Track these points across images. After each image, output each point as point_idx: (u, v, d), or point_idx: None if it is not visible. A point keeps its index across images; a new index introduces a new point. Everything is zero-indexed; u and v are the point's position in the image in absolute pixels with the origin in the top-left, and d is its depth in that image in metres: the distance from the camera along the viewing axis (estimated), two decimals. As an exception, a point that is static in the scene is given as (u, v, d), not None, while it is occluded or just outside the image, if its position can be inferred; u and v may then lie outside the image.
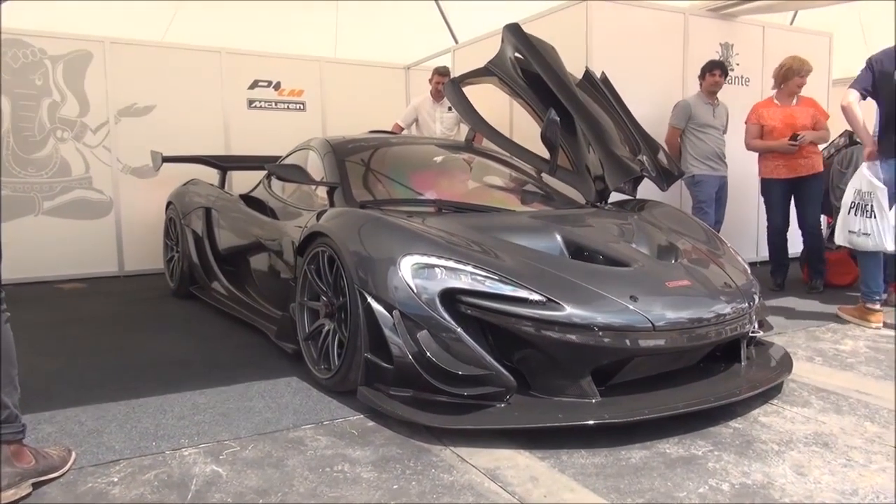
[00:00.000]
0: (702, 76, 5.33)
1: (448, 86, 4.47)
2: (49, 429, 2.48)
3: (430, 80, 6.23)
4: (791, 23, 8.16)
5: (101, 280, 6.16)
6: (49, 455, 2.09)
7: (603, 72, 4.35)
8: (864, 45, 8.19)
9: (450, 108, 5.95)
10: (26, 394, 2.80)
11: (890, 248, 3.95)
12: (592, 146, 3.88)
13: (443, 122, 6.19)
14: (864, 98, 4.07)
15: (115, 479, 2.08)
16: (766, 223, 5.36)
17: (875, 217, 3.93)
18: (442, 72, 6.14)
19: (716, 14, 5.93)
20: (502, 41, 4.29)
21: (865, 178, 4.00)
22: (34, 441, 2.35)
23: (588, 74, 4.31)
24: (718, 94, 5.36)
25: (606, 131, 3.93)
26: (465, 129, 5.53)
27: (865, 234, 3.98)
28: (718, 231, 5.22)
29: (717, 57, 5.93)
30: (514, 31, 4.22)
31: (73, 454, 2.17)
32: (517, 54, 4.18)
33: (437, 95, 6.11)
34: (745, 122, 5.27)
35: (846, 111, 4.04)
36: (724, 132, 5.43)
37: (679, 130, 5.33)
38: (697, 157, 5.26)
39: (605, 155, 3.82)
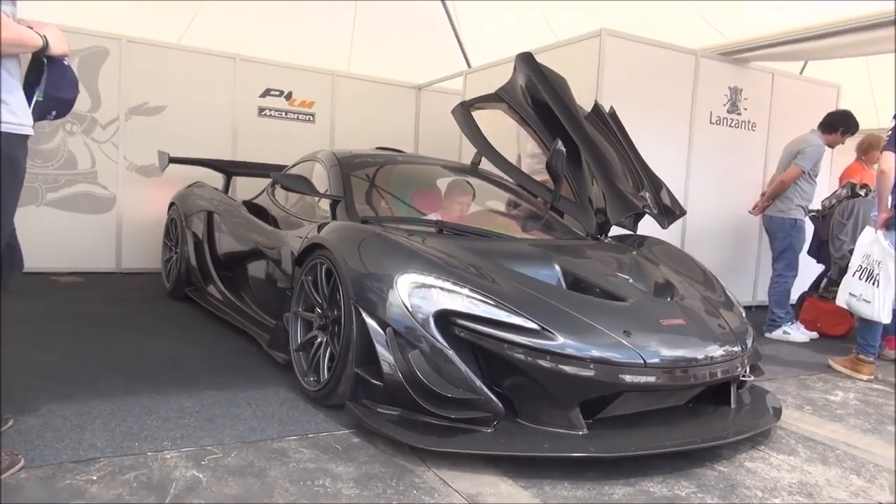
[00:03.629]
0: (833, 129, 5.17)
1: (458, 109, 4.49)
2: (33, 422, 2.47)
3: None
4: (801, 72, 8.25)
5: (98, 275, 6.15)
6: None
7: (612, 106, 4.39)
8: (871, 97, 8.30)
9: None
10: (14, 385, 2.81)
11: (886, 320, 3.93)
12: (596, 179, 3.88)
13: None
14: None
15: (95, 478, 2.06)
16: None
17: (879, 286, 3.91)
18: None
19: (727, 58, 6.00)
20: (514, 69, 4.33)
21: (878, 245, 3.94)
22: (17, 433, 2.35)
23: (597, 108, 4.34)
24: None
25: (611, 165, 3.94)
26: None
27: (866, 300, 3.96)
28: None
29: (724, 101, 6.00)
30: (526, 60, 4.25)
31: (21, 460, 2.09)
32: (528, 83, 4.21)
33: None
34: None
35: (884, 177, 3.87)
36: None
37: (802, 173, 5.13)
38: (801, 203, 5.18)
39: (608, 188, 3.82)
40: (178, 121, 6.53)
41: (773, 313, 5.19)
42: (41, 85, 2.14)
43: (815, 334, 5.17)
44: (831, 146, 5.32)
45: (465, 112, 4.38)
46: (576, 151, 3.89)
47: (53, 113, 2.23)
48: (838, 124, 5.19)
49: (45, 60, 2.14)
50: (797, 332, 5.10)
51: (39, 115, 2.16)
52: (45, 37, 2.08)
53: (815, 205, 5.73)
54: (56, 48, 2.11)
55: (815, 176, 5.21)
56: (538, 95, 4.13)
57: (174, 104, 6.53)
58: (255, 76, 6.97)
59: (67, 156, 6.12)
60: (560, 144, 3.74)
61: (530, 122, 4.17)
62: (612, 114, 4.30)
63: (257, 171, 5.64)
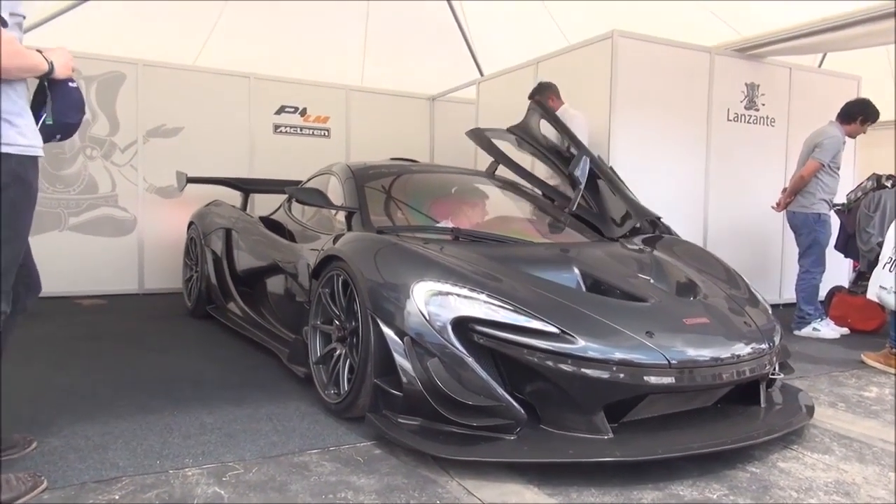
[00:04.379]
0: (852, 118, 5.06)
1: (471, 131, 4.77)
2: (56, 442, 2.47)
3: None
4: (820, 65, 8.13)
5: (121, 297, 6.21)
6: (11, 483, 2.01)
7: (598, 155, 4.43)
8: (892, 89, 8.14)
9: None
10: (37, 406, 2.83)
11: None
12: (613, 191, 4.06)
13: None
14: None
15: (117, 497, 2.06)
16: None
17: None
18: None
19: (742, 55, 5.92)
20: (528, 111, 4.50)
21: None
22: (41, 454, 2.35)
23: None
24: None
25: (623, 182, 4.18)
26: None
27: None
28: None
29: (742, 97, 5.92)
30: (541, 104, 4.55)
31: (45, 482, 2.09)
32: (542, 118, 4.39)
33: None
34: None
35: None
36: None
37: (820, 167, 4.99)
38: (824, 196, 5.04)
39: (625, 197, 4.04)
40: (195, 141, 6.60)
41: (801, 310, 5.08)
42: (47, 107, 2.16)
43: (845, 330, 5.04)
44: (852, 136, 5.18)
45: (478, 131, 4.69)
46: (590, 174, 4.07)
47: (59, 136, 2.25)
48: (857, 113, 5.07)
49: (47, 84, 2.15)
50: (827, 329, 4.98)
51: (45, 138, 2.17)
52: (51, 62, 2.10)
53: (840, 198, 5.61)
54: (60, 72, 2.13)
55: (837, 168, 5.08)
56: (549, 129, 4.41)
57: (191, 125, 6.61)
58: (269, 94, 7.04)
59: (88, 180, 6.21)
60: (586, 154, 3.96)
61: (543, 151, 4.37)
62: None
63: (274, 187, 5.67)
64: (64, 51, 2.17)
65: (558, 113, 4.68)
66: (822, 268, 5.12)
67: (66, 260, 6.05)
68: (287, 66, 7.28)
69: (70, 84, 2.20)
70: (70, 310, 5.53)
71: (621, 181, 4.21)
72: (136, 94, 6.37)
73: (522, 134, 4.42)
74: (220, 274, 4.76)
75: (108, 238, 6.32)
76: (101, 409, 2.89)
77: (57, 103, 2.16)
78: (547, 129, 4.42)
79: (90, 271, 6.20)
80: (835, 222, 5.71)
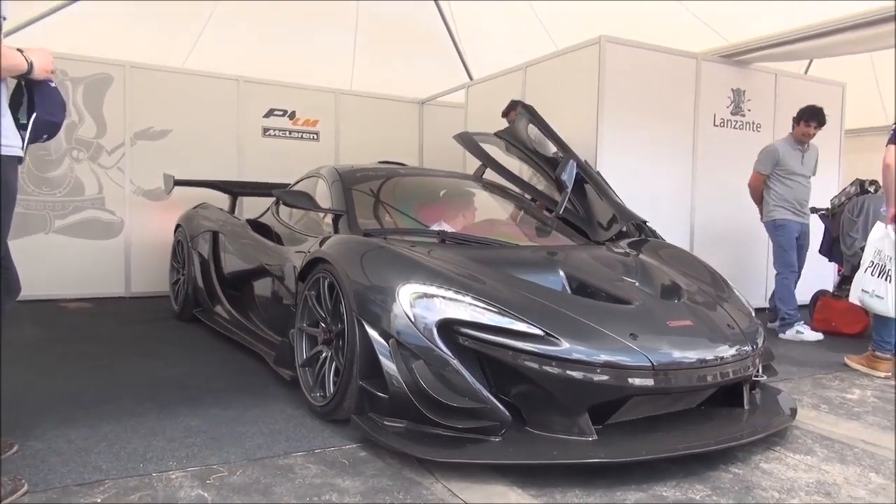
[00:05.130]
0: (796, 122, 5.21)
1: (460, 135, 4.83)
2: (38, 446, 2.45)
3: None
4: (805, 71, 8.21)
5: (108, 301, 6.18)
6: None
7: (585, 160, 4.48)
8: (877, 96, 8.24)
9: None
10: (19, 411, 2.81)
11: None
12: (599, 195, 4.10)
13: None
14: None
15: (99, 500, 2.05)
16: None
17: (891, 281, 3.84)
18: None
19: (728, 60, 5.98)
20: (517, 115, 4.54)
21: (889, 241, 3.89)
22: (21, 458, 2.33)
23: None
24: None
25: (609, 187, 4.22)
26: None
27: (879, 296, 3.90)
28: (798, 277, 5.29)
29: (728, 103, 5.97)
30: (528, 108, 4.53)
31: (25, 485, 2.07)
32: (530, 123, 4.43)
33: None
34: None
35: (890, 170, 3.84)
36: (812, 175, 5.34)
37: (763, 176, 5.24)
38: (779, 203, 5.18)
39: (611, 201, 4.07)
40: (183, 144, 6.58)
41: (781, 311, 5.14)
42: (29, 107, 2.15)
43: (820, 335, 5.10)
44: (800, 140, 5.23)
45: (466, 135, 4.73)
46: (578, 178, 4.11)
47: (45, 136, 2.24)
48: (798, 117, 5.22)
49: (24, 84, 2.15)
50: (809, 331, 5.05)
51: (33, 138, 2.17)
52: (31, 62, 2.09)
53: (824, 203, 5.67)
54: (40, 72, 2.13)
55: (787, 175, 5.18)
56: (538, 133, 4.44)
57: (179, 127, 6.59)
58: (258, 97, 7.02)
59: (75, 182, 6.18)
60: (573, 158, 3.99)
61: (531, 156, 4.39)
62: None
63: (262, 190, 5.66)
64: (45, 51, 2.16)
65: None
66: (792, 269, 5.22)
67: (52, 262, 6.01)
68: (276, 69, 7.27)
69: (50, 84, 2.20)
70: (55, 313, 5.49)
71: (608, 185, 4.24)
72: (124, 96, 6.34)
73: (510, 138, 4.46)
74: (207, 277, 4.74)
75: (95, 241, 6.28)
76: (85, 412, 2.87)
77: (41, 103, 2.15)
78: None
79: (76, 274, 6.16)
80: (819, 227, 5.78)
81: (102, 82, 6.27)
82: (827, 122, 5.25)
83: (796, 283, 5.28)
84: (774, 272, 5.32)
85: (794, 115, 5.24)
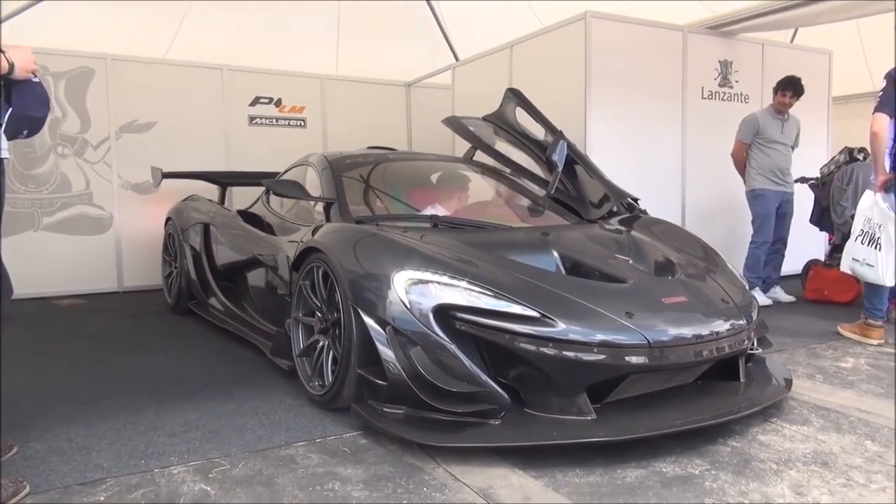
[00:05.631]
0: (774, 92, 5.34)
1: (447, 119, 4.87)
2: (37, 446, 2.45)
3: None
4: (791, 40, 8.19)
5: (100, 296, 6.15)
6: None
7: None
8: (864, 63, 8.23)
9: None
10: (17, 411, 2.80)
11: (890, 283, 3.89)
12: (590, 174, 4.10)
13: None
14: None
15: (102, 498, 2.05)
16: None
17: (881, 250, 3.86)
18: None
19: (715, 32, 5.95)
20: (504, 99, 4.51)
21: (878, 209, 3.90)
22: (22, 459, 2.33)
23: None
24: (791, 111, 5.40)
25: (597, 167, 4.22)
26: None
27: (869, 264, 3.91)
28: (784, 248, 5.44)
29: (715, 75, 5.95)
30: (515, 92, 4.51)
31: (27, 487, 2.07)
32: (517, 106, 4.43)
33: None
34: None
35: (877, 138, 3.83)
36: (794, 147, 5.44)
37: (745, 145, 5.36)
38: (760, 171, 5.29)
39: (602, 181, 4.07)
40: (169, 135, 6.52)
41: (745, 275, 5.20)
42: (2, 106, 2.11)
43: (769, 301, 5.27)
44: (780, 109, 5.32)
45: (454, 119, 4.73)
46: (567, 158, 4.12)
47: (25, 132, 2.21)
48: (776, 87, 5.34)
49: (2, 83, 2.11)
50: (762, 296, 5.21)
51: (11, 134, 2.14)
52: (12, 63, 2.06)
53: (813, 172, 5.69)
54: (21, 72, 2.09)
55: (766, 144, 5.27)
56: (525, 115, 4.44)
57: (164, 119, 6.52)
58: (243, 85, 6.95)
59: (61, 179, 6.11)
60: (562, 139, 3.97)
61: (519, 138, 4.38)
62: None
63: (251, 180, 5.62)
64: (26, 50, 2.13)
65: None
66: (764, 239, 5.32)
67: (42, 260, 5.97)
68: (260, 57, 7.19)
69: (33, 79, 2.16)
70: (48, 311, 5.46)
71: (597, 167, 4.25)
72: (107, 90, 6.26)
73: (498, 122, 4.43)
74: (200, 269, 4.72)
75: (85, 237, 6.24)
76: (84, 410, 2.86)
77: (21, 98, 2.12)
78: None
79: (67, 271, 6.12)
80: (809, 196, 5.80)
81: (84, 76, 6.18)
82: (805, 92, 5.31)
83: (783, 254, 5.47)
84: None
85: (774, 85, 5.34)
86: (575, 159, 4.12)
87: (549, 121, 4.30)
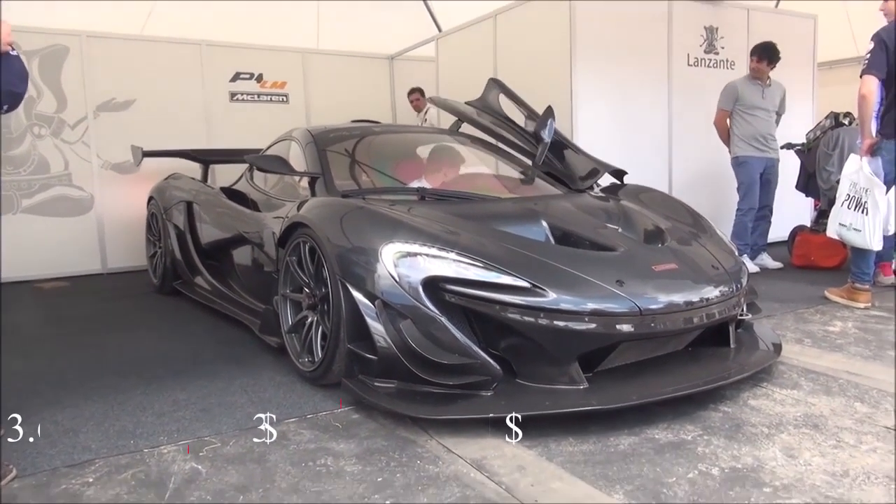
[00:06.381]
0: (750, 60, 5.35)
1: (434, 98, 4.99)
2: (24, 429, 2.41)
3: None
4: (776, 5, 8.14)
5: (84, 278, 6.07)
6: None
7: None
8: (848, 27, 8.20)
9: None
10: (1, 394, 2.75)
11: (877, 247, 3.91)
12: (576, 151, 4.07)
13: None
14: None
15: (91, 480, 2.02)
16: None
17: (868, 214, 3.86)
18: None
19: (699, -2, 5.89)
20: (486, 87, 4.42)
21: (864, 174, 3.89)
22: (8, 442, 2.29)
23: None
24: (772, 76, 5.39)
25: (583, 149, 4.18)
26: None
27: (856, 229, 3.92)
28: (770, 214, 5.45)
29: (701, 41, 5.90)
30: (497, 82, 4.44)
31: (14, 470, 2.04)
32: (500, 93, 4.34)
33: None
34: None
35: (865, 101, 3.80)
36: (780, 113, 5.44)
37: (726, 112, 5.35)
38: (742, 138, 5.29)
39: (589, 156, 4.04)
40: (148, 113, 6.40)
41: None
42: None
43: (756, 268, 5.29)
44: (757, 76, 5.31)
45: (438, 98, 4.76)
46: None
47: (5, 107, 2.14)
48: (752, 54, 5.35)
49: None
50: (750, 262, 5.22)
51: None
52: None
53: (799, 137, 5.68)
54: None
55: (747, 110, 5.26)
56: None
57: (143, 97, 6.39)
58: (223, 61, 6.82)
59: (39, 160, 5.99)
60: (550, 116, 3.90)
61: (503, 120, 4.30)
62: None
63: (234, 157, 5.54)
64: (4, 24, 2.05)
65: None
66: (750, 205, 5.34)
67: (23, 243, 5.86)
68: (240, 31, 7.06)
69: (11, 52, 2.09)
70: (31, 295, 5.39)
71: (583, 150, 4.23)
72: (82, 68, 6.11)
73: (482, 107, 4.38)
74: (185, 248, 4.66)
75: (65, 218, 6.13)
76: (70, 393, 2.83)
77: (2, 73, 2.05)
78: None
79: (49, 253, 6.03)
80: (795, 162, 5.80)
81: (58, 54, 6.03)
82: (781, 58, 5.30)
83: (770, 221, 5.48)
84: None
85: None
86: (562, 140, 4.08)
87: (533, 108, 4.22)
